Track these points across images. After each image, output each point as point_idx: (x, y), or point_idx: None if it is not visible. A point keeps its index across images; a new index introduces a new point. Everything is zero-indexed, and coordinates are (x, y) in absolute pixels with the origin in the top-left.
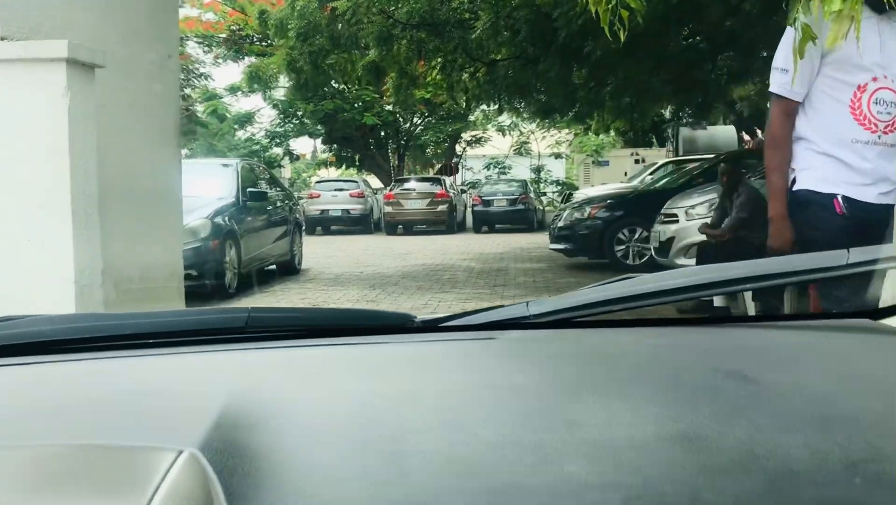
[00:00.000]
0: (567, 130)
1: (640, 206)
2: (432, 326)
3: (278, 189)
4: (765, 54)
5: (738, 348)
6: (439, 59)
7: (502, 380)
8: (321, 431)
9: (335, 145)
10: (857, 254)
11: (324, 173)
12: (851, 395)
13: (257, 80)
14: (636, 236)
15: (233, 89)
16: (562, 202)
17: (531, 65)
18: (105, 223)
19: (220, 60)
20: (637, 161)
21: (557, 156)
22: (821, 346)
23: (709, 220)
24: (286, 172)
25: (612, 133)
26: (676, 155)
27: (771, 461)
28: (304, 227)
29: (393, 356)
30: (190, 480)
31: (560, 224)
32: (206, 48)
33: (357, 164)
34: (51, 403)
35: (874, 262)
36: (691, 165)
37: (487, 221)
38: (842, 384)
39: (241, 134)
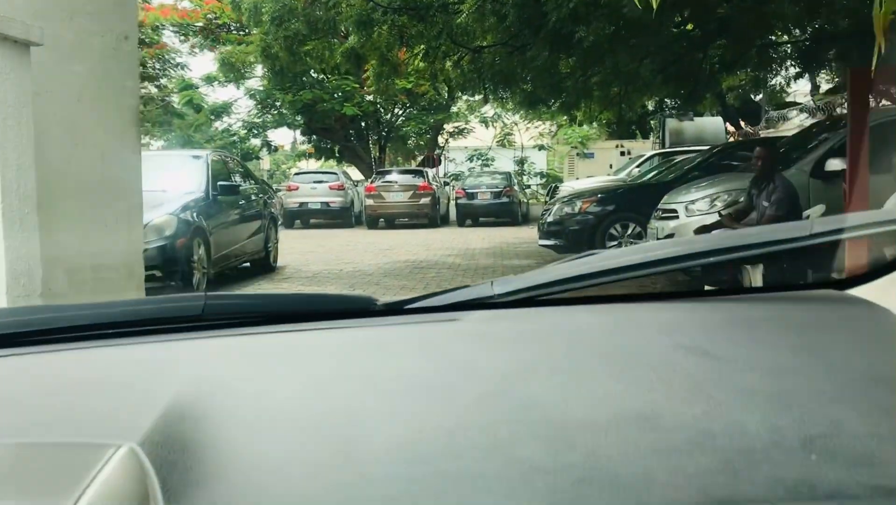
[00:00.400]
0: (551, 122)
1: (633, 201)
2: (395, 309)
3: (252, 182)
4: (758, 43)
5: (700, 323)
6: (422, 46)
7: (462, 363)
8: (273, 420)
9: (315, 137)
10: (822, 224)
11: (304, 165)
12: (813, 367)
13: (231, 69)
14: (629, 232)
15: (209, 79)
16: (547, 195)
17: (518, 52)
18: (54, 216)
19: (196, 50)
20: (623, 153)
21: (541, 147)
22: (785, 318)
23: (721, 210)
24: (265, 164)
25: (596, 125)
26: (663, 147)
27: (727, 439)
28: (280, 222)
29: (354, 341)
30: (125, 476)
31: (549, 219)
32: (182, 37)
33: (337, 155)
34: None
35: (839, 231)
36: (680, 158)
37: (471, 215)
38: (804, 357)
39: (219, 125)
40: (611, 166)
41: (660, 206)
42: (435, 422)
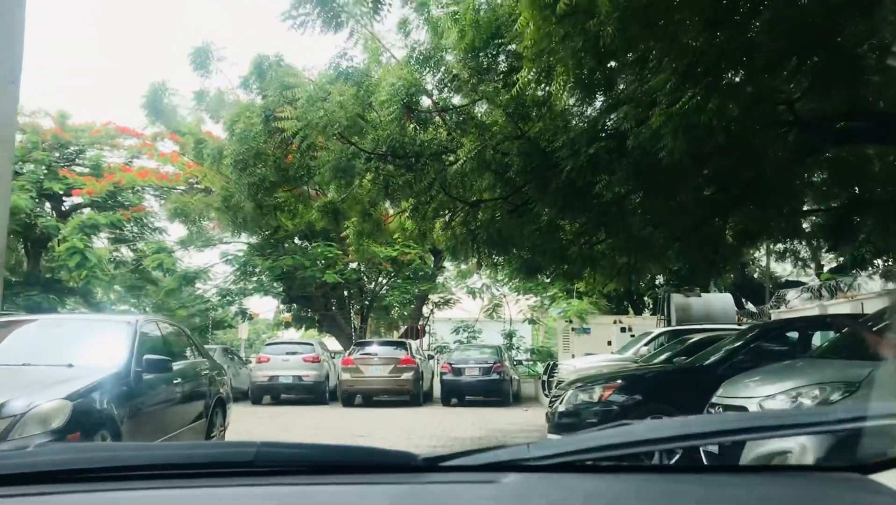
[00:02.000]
0: (544, 294)
1: (665, 388)
2: (433, 466)
3: (199, 356)
4: (786, 210)
5: (732, 499)
6: (410, 201)
7: None
8: None
9: (294, 305)
10: (846, 409)
11: (283, 335)
12: None
13: (185, 218)
14: None
15: (183, 243)
16: (544, 374)
17: (521, 210)
18: None
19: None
20: (623, 329)
21: (531, 322)
22: (811, 499)
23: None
24: (243, 333)
25: (594, 299)
26: (669, 324)
27: None
28: (228, 403)
29: (395, 496)
30: None
31: (562, 408)
32: (163, 201)
33: (317, 324)
34: None
35: (863, 418)
36: (699, 336)
37: (458, 392)
38: None
39: (194, 291)
40: (609, 343)
41: (718, 400)
42: None
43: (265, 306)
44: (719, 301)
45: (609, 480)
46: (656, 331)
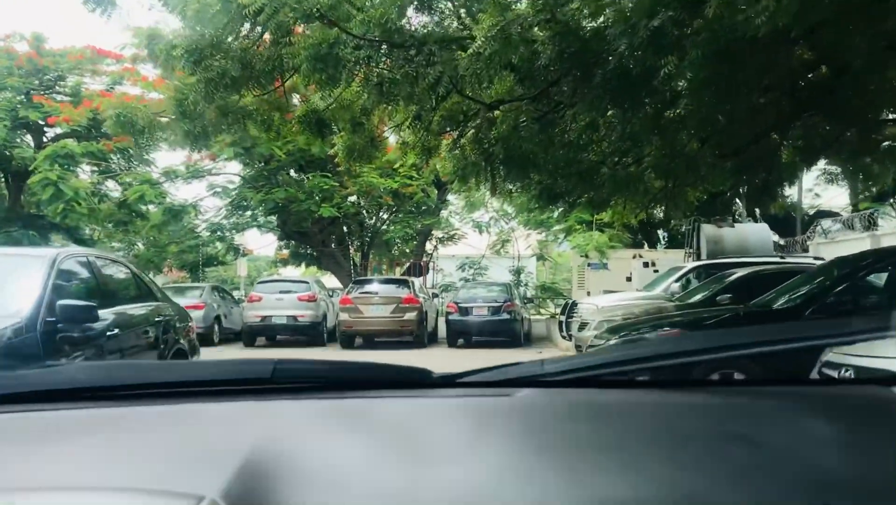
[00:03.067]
0: (557, 227)
1: None
2: (449, 382)
3: (154, 299)
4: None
5: (746, 412)
6: (413, 106)
7: (514, 438)
8: (337, 483)
9: (293, 242)
10: (870, 321)
11: (288, 273)
12: (859, 463)
13: (128, 128)
14: None
15: (167, 174)
16: (562, 314)
17: (552, 116)
18: None
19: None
20: (646, 265)
21: (540, 258)
22: (831, 411)
23: None
24: (242, 270)
25: (613, 231)
26: (698, 257)
27: None
28: (195, 355)
29: (411, 411)
30: None
31: None
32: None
33: (316, 262)
34: (81, 448)
35: (887, 329)
36: (743, 272)
37: (465, 333)
38: (850, 452)
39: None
40: (628, 279)
41: (840, 357)
42: (489, 495)
43: (263, 242)
44: (755, 232)
45: (624, 394)
46: (688, 265)
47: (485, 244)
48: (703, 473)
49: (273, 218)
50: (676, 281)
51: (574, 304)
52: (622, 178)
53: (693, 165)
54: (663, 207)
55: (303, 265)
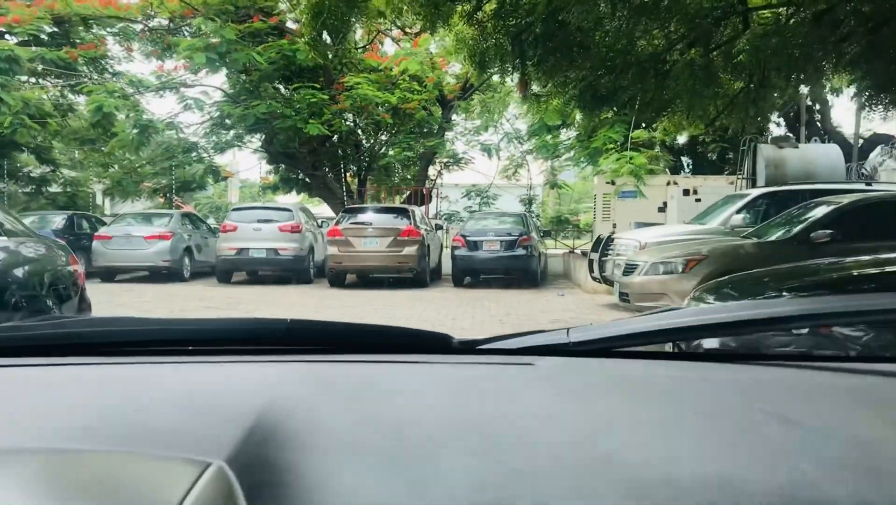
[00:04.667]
0: (582, 148)
1: None
2: (470, 348)
3: (18, 236)
4: None
5: (782, 388)
6: None
7: (538, 408)
8: (352, 448)
9: (283, 166)
10: None
11: (286, 200)
12: None
13: None
14: None
15: (132, 83)
16: (593, 251)
17: None
18: None
19: (135, 56)
20: (687, 192)
21: (553, 185)
22: (870, 390)
23: None
24: (233, 196)
25: (652, 151)
26: (753, 184)
27: None
28: (84, 305)
29: (430, 376)
30: (214, 494)
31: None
32: (122, 39)
33: (308, 188)
34: (85, 406)
35: None
36: (842, 200)
37: (474, 271)
38: (891, 431)
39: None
40: (660, 210)
41: None
42: (512, 464)
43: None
44: (823, 153)
45: (651, 366)
46: (753, 192)
47: (494, 170)
48: (736, 451)
49: (255, 137)
50: (738, 212)
51: (609, 239)
52: (701, 68)
53: (804, 51)
54: (741, 115)
55: (293, 192)
